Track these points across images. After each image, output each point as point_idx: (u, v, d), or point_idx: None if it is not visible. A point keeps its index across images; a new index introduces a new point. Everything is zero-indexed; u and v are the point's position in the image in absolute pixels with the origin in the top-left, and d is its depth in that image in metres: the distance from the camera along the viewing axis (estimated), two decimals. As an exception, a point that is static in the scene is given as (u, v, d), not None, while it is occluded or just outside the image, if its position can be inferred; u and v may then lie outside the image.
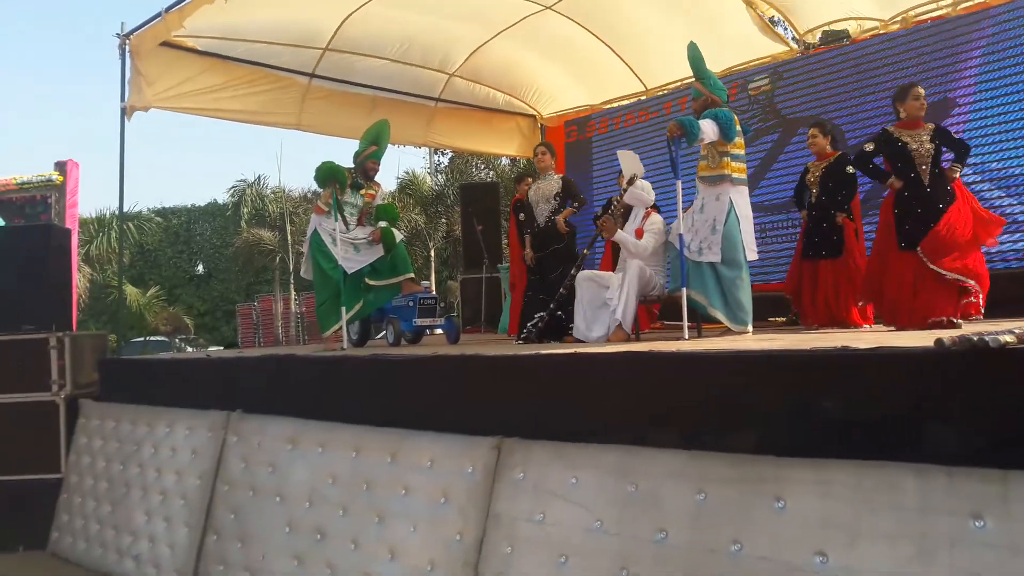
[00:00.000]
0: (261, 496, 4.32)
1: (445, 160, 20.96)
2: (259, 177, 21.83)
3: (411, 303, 5.95)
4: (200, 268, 24.79)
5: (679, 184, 4.38)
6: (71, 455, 6.00)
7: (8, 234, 7.33)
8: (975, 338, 2.14)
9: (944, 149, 4.82)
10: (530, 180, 6.99)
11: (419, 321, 5.89)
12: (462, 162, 19.67)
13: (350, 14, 7.33)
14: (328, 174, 5.65)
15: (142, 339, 17.67)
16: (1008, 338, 2.16)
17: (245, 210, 20.82)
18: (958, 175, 4.77)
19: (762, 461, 2.50)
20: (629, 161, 5.27)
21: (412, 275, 6.18)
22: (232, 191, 22.06)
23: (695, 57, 4.82)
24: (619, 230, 5.06)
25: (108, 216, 21.86)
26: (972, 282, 4.51)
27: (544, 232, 5.78)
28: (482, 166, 18.72)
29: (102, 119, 63.86)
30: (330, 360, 4.65)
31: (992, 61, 6.35)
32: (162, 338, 17.42)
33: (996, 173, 6.22)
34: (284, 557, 4.01)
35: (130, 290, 18.76)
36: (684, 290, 4.36)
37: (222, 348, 17.23)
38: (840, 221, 5.40)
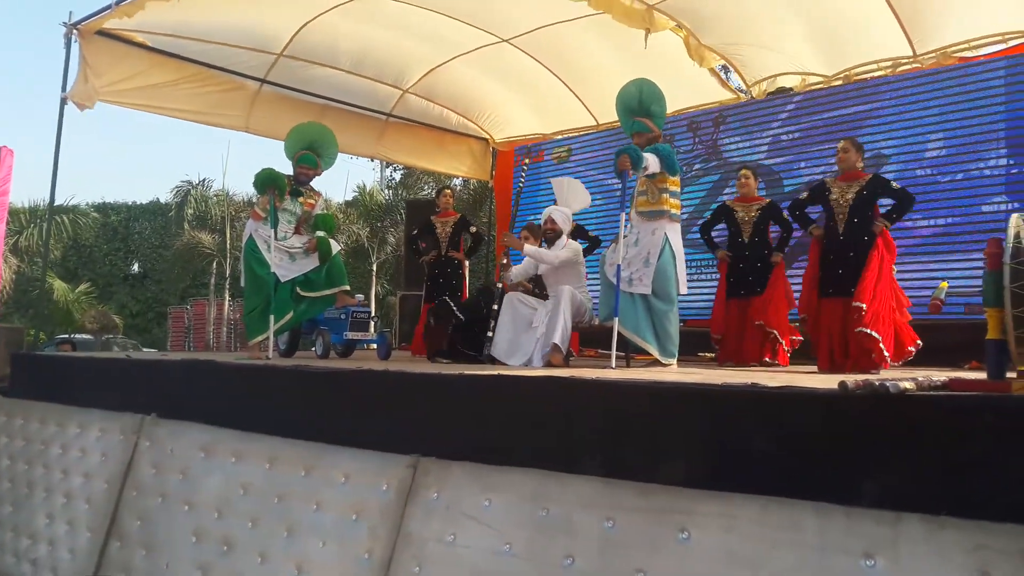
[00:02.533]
0: (170, 503, 4.19)
1: (397, 176, 20.91)
2: (204, 179, 21.46)
3: (343, 316, 5.89)
4: (136, 267, 24.13)
5: (623, 216, 4.44)
6: (-26, 451, 5.74)
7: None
8: (877, 383, 2.20)
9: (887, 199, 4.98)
10: (449, 192, 7.33)
11: (350, 334, 5.82)
12: (414, 179, 19.63)
13: (307, 23, 7.28)
14: (268, 180, 5.57)
15: (67, 336, 17.05)
16: (908, 384, 2.23)
17: (189, 211, 20.38)
18: (879, 229, 4.82)
19: (670, 492, 2.52)
20: (569, 189, 5.33)
21: (347, 287, 6.10)
22: (176, 191, 21.58)
23: (653, 94, 4.87)
24: (527, 245, 5.18)
25: (42, 207, 21.17)
26: (877, 336, 4.61)
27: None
28: (434, 184, 18.72)
29: (43, 106, 62.09)
30: (250, 369, 4.56)
31: (922, 120, 6.65)
32: (88, 336, 16.84)
33: (919, 229, 6.48)
34: (189, 567, 3.89)
35: (58, 285, 18.10)
36: (616, 320, 4.40)
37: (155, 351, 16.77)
38: (775, 260, 5.63)
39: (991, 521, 1.97)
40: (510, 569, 2.80)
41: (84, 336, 16.57)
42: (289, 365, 4.44)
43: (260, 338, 5.56)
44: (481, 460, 3.08)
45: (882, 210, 5.02)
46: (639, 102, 4.87)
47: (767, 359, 5.55)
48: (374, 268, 17.92)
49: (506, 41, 7.74)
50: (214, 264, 19.17)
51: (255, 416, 4.06)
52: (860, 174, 5.01)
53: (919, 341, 4.82)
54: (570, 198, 5.41)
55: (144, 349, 17.04)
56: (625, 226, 4.53)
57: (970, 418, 2.11)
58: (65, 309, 17.95)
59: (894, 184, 5.04)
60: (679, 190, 4.79)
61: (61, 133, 6.88)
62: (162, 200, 24.03)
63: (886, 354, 4.61)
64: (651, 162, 4.48)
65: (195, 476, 4.14)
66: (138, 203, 24.59)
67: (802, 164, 7.36)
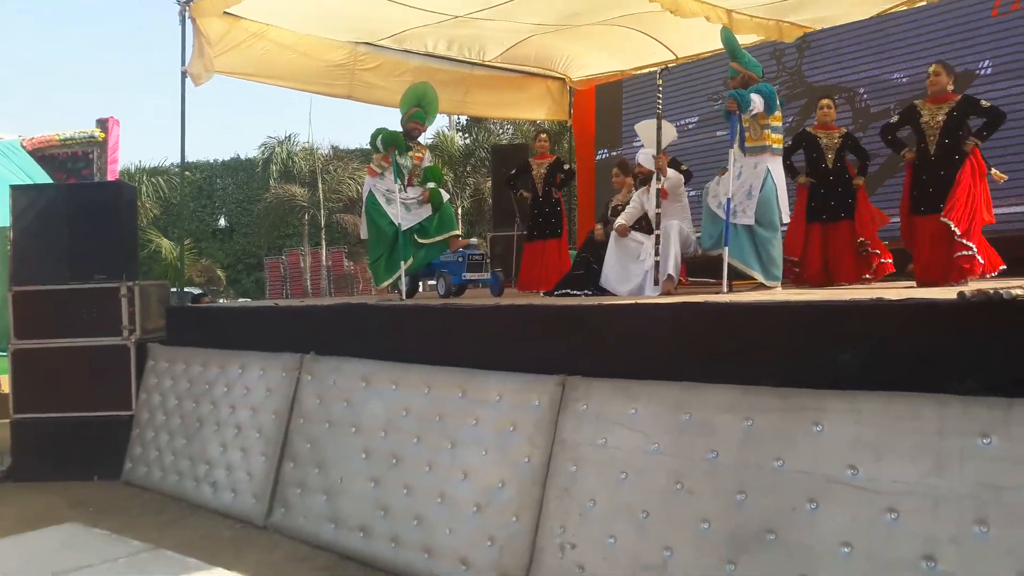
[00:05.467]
0: (337, 428, 4.75)
1: (463, 120, 21.25)
2: (290, 135, 22.29)
3: (460, 258, 6.40)
4: (223, 222, 25.21)
5: (731, 153, 4.78)
6: (141, 394, 6.46)
7: (84, 190, 7.79)
8: (991, 291, 2.55)
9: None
10: (544, 136, 7.66)
11: (468, 275, 6.33)
12: (485, 122, 19.98)
13: (403, 31, 7.92)
14: (389, 139, 6.08)
15: (175, 290, 18.08)
16: (1019, 291, 2.57)
17: (274, 167, 21.24)
18: (971, 147, 5.05)
19: (803, 393, 2.94)
20: (653, 131, 5.57)
21: (458, 232, 6.62)
22: (262, 148, 22.49)
23: (729, 39, 5.17)
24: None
25: (134, 171, 22.31)
26: (972, 247, 4.89)
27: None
28: (507, 125, 19.02)
29: (128, 75, 63.96)
30: (400, 308, 5.07)
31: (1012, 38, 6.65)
32: (195, 290, 17.90)
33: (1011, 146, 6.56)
34: (361, 480, 4.45)
35: (164, 243, 19.24)
36: (726, 249, 4.78)
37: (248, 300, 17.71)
38: (857, 184, 5.84)
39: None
40: (659, 464, 3.26)
41: (192, 290, 17.62)
42: (437, 304, 4.94)
43: (389, 281, 6.15)
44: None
45: (973, 128, 5.20)
46: (728, 49, 5.22)
47: (867, 276, 5.80)
48: (460, 212, 18.47)
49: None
50: (306, 216, 20.04)
51: (408, 350, 4.57)
52: (949, 96, 5.19)
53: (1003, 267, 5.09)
54: (655, 139, 5.66)
55: (239, 299, 18.03)
56: (732, 162, 4.87)
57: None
58: (174, 265, 19.07)
59: (983, 103, 5.18)
60: (780, 124, 5.08)
61: (184, 104, 7.44)
62: (242, 156, 24.95)
63: (980, 261, 4.89)
64: (756, 102, 4.80)
65: (358, 403, 4.70)
66: (218, 160, 25.58)
67: (888, 87, 7.44)
